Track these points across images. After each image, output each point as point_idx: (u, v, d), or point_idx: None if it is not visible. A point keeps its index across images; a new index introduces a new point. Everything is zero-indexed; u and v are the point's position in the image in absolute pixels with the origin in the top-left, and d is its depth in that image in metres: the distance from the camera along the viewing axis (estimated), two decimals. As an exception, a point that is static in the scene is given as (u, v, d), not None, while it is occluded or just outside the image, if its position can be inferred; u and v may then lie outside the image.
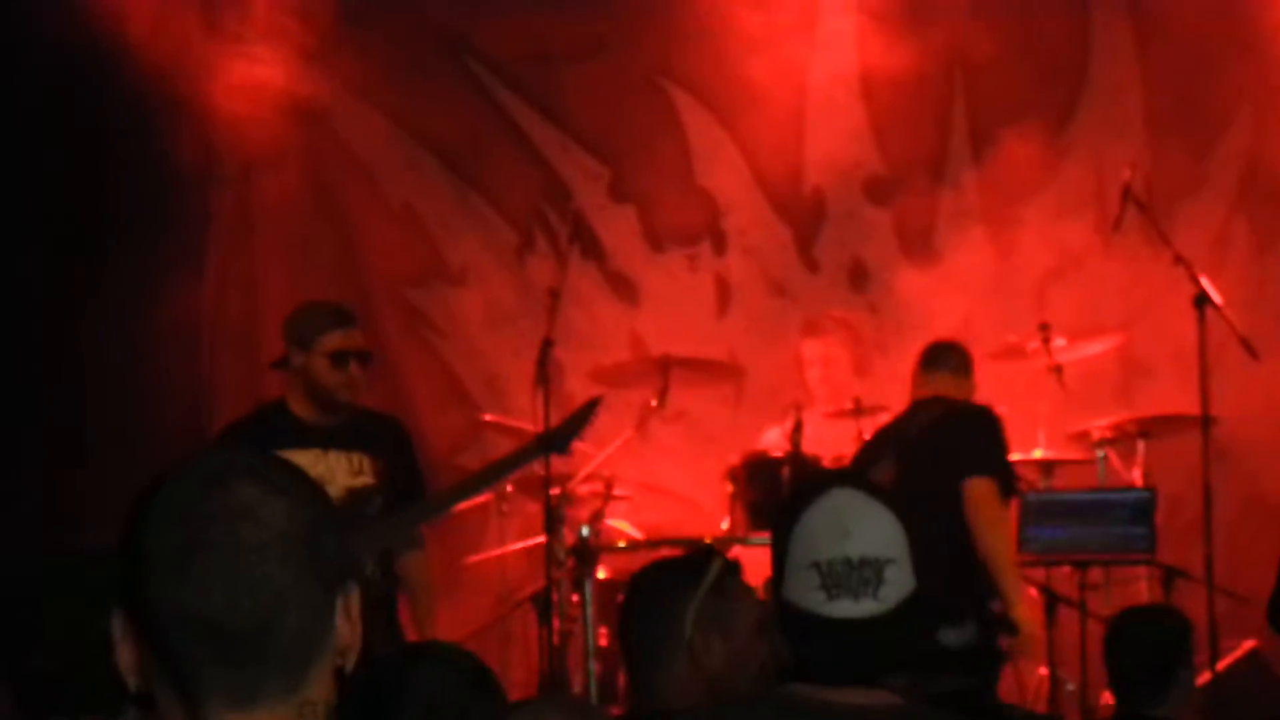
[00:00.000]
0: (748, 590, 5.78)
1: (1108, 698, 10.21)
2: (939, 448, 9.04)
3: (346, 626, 2.62)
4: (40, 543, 10.75)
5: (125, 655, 2.60)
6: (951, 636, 6.03)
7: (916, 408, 9.36)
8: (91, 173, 11.71)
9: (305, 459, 7.92)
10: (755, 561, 9.40)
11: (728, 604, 5.61)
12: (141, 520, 2.54)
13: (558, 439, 8.84)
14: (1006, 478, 9.10)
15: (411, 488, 8.64)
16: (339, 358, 8.38)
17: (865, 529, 4.29)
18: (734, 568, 5.82)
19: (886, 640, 4.30)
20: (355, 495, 8.35)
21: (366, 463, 8.42)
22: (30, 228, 11.50)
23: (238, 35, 12.24)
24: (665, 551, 10.30)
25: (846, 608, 4.24)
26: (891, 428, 9.44)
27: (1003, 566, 8.81)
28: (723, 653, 5.47)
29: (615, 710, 9.94)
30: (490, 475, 8.85)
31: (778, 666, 5.26)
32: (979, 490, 8.99)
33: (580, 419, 8.90)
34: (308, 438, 8.28)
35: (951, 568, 8.65)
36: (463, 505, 8.87)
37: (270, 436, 8.27)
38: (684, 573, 5.57)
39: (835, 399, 10.80)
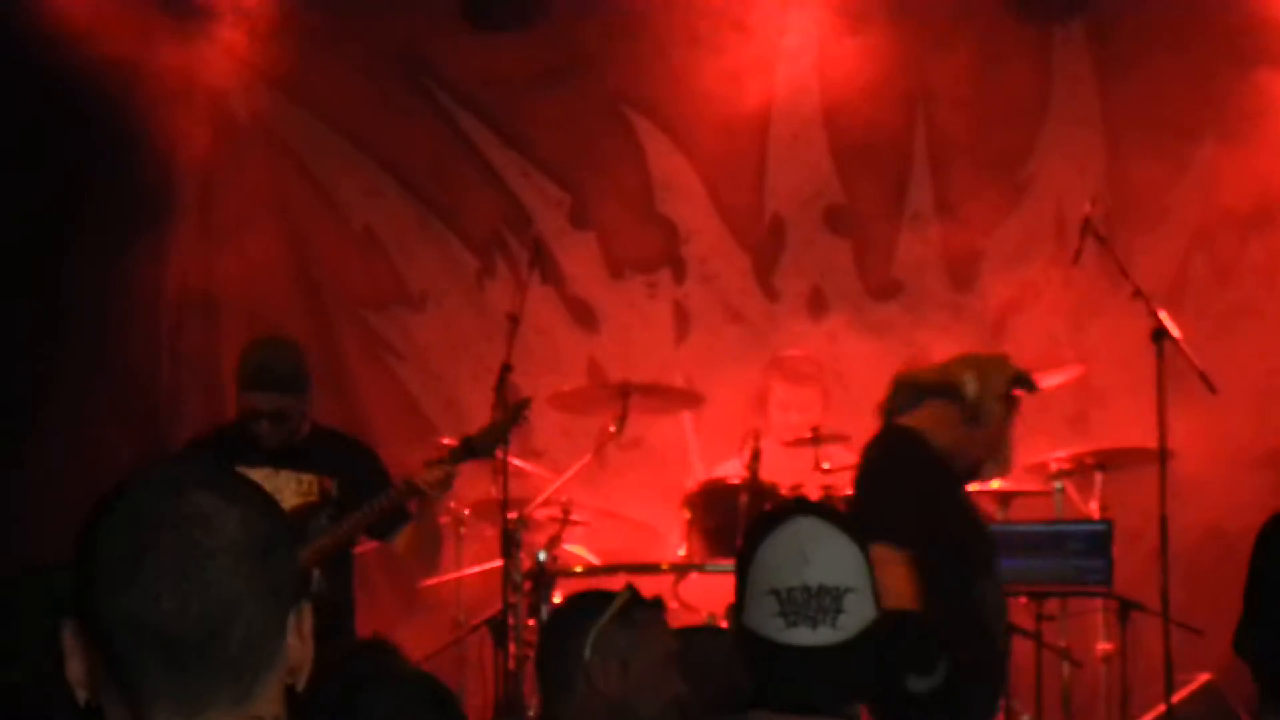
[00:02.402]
0: (660, 624, 5.81)
1: (1061, 727, 10.23)
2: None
3: (298, 642, 2.62)
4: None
5: (74, 667, 2.62)
6: (920, 684, 6.00)
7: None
8: (55, 193, 11.70)
9: (258, 476, 7.97)
10: (714, 588, 9.42)
11: (633, 633, 5.66)
12: (95, 525, 2.54)
13: (481, 444, 8.91)
14: None
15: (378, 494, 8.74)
16: (251, 414, 8.60)
17: (825, 557, 4.29)
18: (650, 603, 5.84)
19: (845, 669, 4.29)
20: (299, 512, 8.46)
21: (315, 483, 8.54)
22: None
23: (201, 56, 12.22)
24: (622, 577, 10.29)
25: (804, 635, 4.25)
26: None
27: None
28: (619, 680, 5.48)
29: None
30: (410, 489, 8.83)
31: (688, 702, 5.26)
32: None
33: (507, 421, 8.98)
34: (262, 456, 8.40)
35: None
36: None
37: (227, 453, 8.48)
38: (593, 602, 5.61)
39: (808, 427, 10.78)
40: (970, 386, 8.63)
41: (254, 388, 8.65)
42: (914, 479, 8.48)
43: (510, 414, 9.08)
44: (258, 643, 2.56)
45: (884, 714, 5.68)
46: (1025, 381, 8.67)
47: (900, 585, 8.44)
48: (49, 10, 11.62)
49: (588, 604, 5.79)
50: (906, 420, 8.77)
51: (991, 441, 8.72)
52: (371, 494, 8.67)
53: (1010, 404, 8.69)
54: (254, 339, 9.37)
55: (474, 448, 8.88)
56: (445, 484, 8.83)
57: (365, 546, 9.17)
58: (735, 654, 4.39)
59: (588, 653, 5.49)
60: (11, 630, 3.68)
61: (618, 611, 5.69)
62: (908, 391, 8.80)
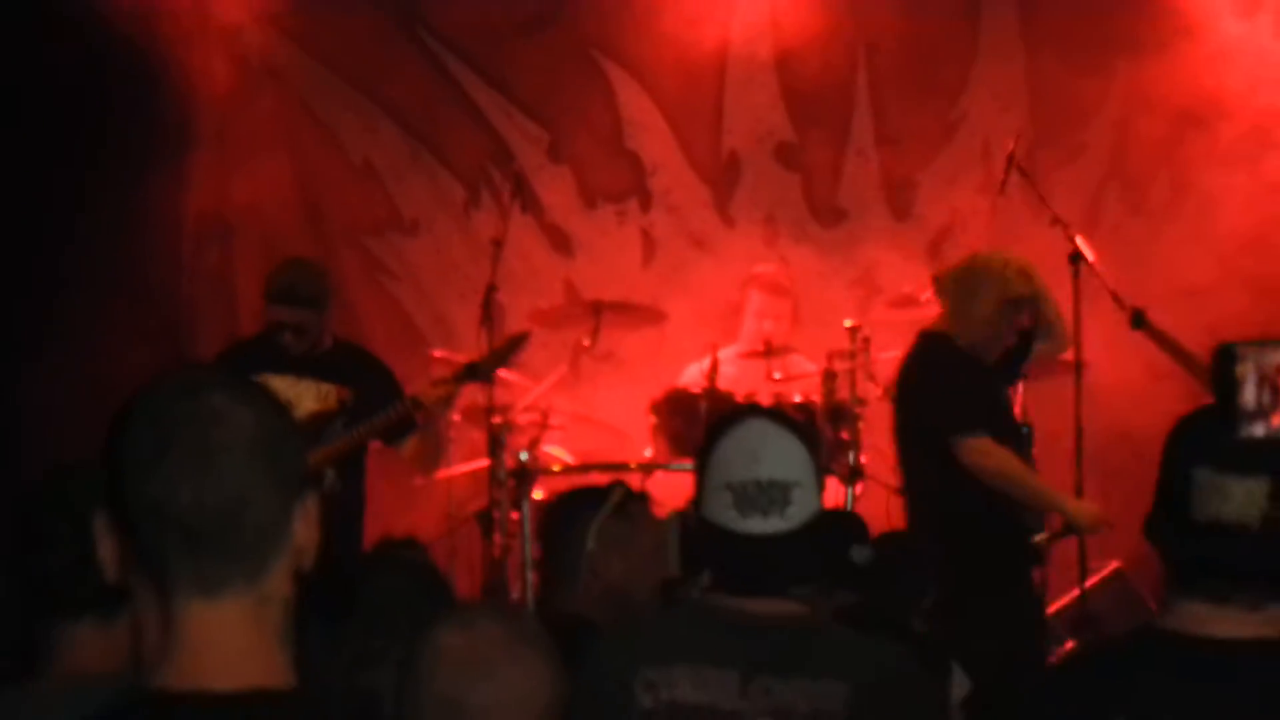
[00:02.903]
0: (649, 515, 5.81)
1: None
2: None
3: (304, 528, 2.64)
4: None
5: (106, 549, 2.64)
6: (860, 555, 6.01)
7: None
8: (82, 122, 11.67)
9: (280, 384, 8.16)
10: (676, 485, 9.43)
11: (628, 526, 5.67)
12: (121, 425, 2.57)
13: (483, 369, 8.96)
14: None
15: (391, 404, 8.83)
16: (276, 327, 8.68)
17: (774, 455, 4.29)
18: (639, 496, 5.84)
19: (793, 555, 4.30)
20: (316, 418, 8.49)
21: (333, 392, 8.56)
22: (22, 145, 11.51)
23: (212, 7, 12.17)
24: (595, 475, 10.31)
25: (756, 524, 4.25)
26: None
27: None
28: (621, 568, 5.51)
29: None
30: (414, 404, 8.86)
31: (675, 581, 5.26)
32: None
33: (506, 351, 9.01)
34: (285, 365, 8.44)
35: None
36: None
37: (254, 362, 8.51)
38: (591, 498, 5.61)
39: (763, 341, 10.79)
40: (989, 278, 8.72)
41: (279, 301, 8.76)
42: (947, 372, 8.72)
43: (509, 344, 9.12)
44: (268, 529, 2.58)
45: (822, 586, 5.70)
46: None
47: (1010, 460, 8.55)
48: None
49: (585, 500, 5.79)
50: (936, 325, 8.91)
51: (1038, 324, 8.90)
52: (383, 405, 8.72)
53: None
54: (283, 259, 9.45)
55: (476, 371, 8.94)
56: (447, 402, 8.92)
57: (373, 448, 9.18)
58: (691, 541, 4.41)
59: (590, 544, 5.49)
60: (45, 521, 3.68)
61: (615, 506, 5.69)
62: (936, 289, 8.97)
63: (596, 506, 5.57)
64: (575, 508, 5.75)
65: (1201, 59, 11.59)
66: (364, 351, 9.30)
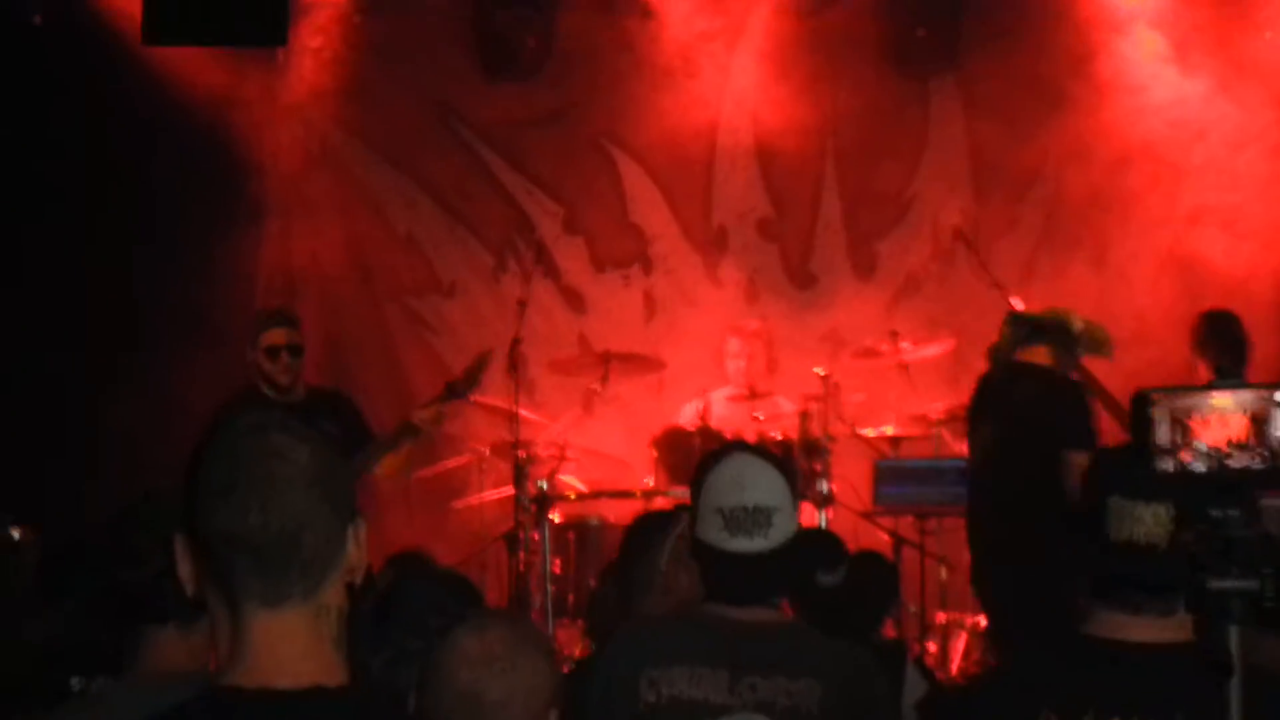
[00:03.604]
0: None
1: (941, 617, 10.22)
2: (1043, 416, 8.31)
3: (355, 549, 2.65)
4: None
5: (184, 568, 2.65)
6: (825, 578, 6.00)
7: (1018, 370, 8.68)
8: (173, 185, 11.81)
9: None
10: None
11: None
12: (198, 460, 2.57)
13: (460, 387, 9.00)
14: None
15: (363, 437, 8.79)
16: (272, 351, 8.58)
17: (758, 484, 4.31)
18: None
19: (773, 570, 4.30)
20: None
21: (321, 427, 8.49)
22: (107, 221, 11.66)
23: (281, 100, 12.21)
24: (605, 502, 10.32)
25: (743, 544, 4.26)
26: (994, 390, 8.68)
27: None
28: (688, 581, 5.47)
29: (564, 622, 9.91)
30: (409, 429, 8.83)
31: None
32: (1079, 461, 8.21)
33: (475, 370, 8.99)
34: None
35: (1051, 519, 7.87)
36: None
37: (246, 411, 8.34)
38: (661, 522, 5.58)
39: (747, 386, 10.78)
40: (1078, 325, 8.53)
41: (271, 325, 8.73)
42: (1079, 398, 8.39)
43: (477, 364, 9.07)
44: (324, 549, 2.58)
45: (802, 606, 5.67)
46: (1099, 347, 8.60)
47: None
48: (168, 64, 11.61)
49: (657, 524, 5.76)
50: (1029, 357, 8.52)
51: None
52: (357, 433, 8.65)
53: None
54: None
55: (454, 390, 8.93)
56: (437, 421, 8.88)
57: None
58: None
59: (663, 562, 5.47)
60: (135, 540, 3.69)
61: (683, 529, 5.69)
62: (1025, 330, 8.60)
63: (667, 529, 5.54)
64: (649, 531, 5.72)
65: (1120, 152, 11.63)
66: (336, 392, 9.25)
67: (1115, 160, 11.65)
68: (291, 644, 2.57)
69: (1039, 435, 8.16)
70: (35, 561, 7.11)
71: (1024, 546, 8.02)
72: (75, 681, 4.14)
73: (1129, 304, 11.43)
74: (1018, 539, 8.12)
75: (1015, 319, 8.78)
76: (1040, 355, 8.55)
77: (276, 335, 8.66)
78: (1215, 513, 2.96)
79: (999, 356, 8.71)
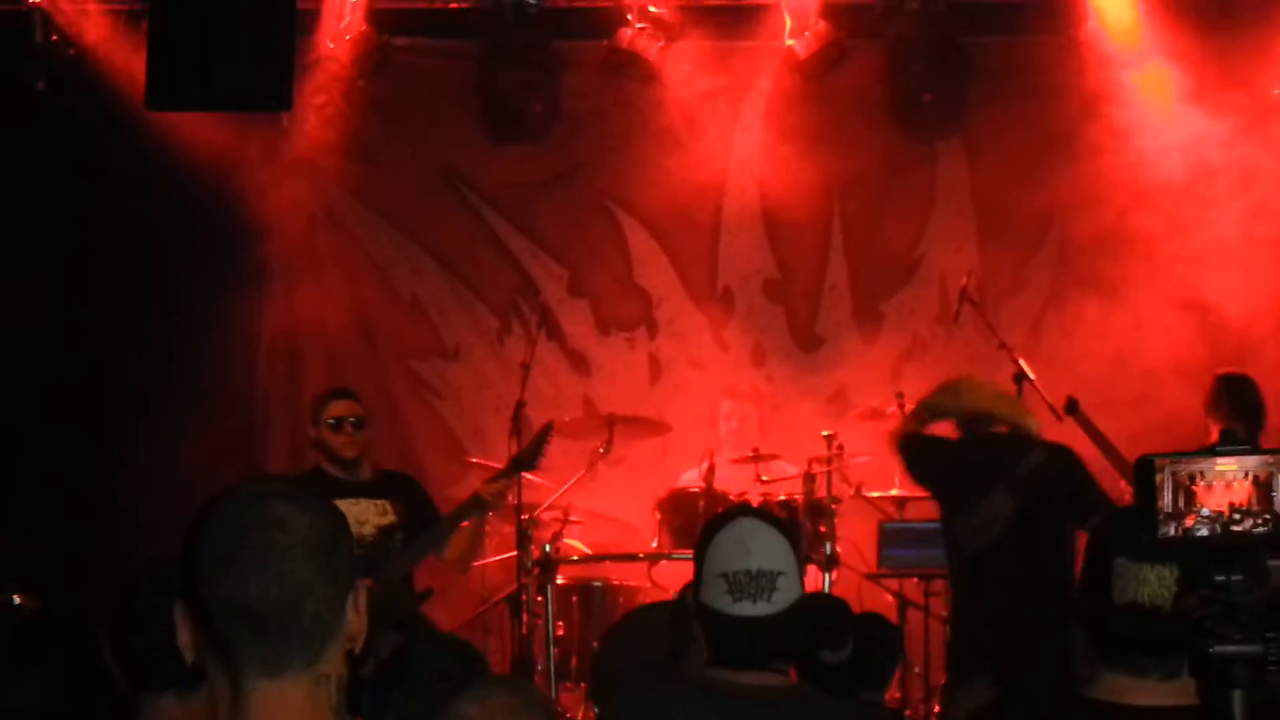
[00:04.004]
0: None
1: (944, 679, 10.19)
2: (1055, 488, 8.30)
3: (354, 616, 2.65)
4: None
5: (184, 635, 2.65)
6: (830, 656, 5.98)
7: (992, 440, 8.62)
8: (175, 248, 11.91)
9: (342, 505, 8.00)
10: (678, 572, 9.40)
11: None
12: (198, 529, 2.59)
13: (527, 459, 9.02)
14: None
15: (431, 518, 8.81)
16: (337, 424, 8.58)
17: (762, 548, 4.30)
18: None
19: (778, 635, 4.29)
20: (384, 531, 8.53)
21: (390, 506, 8.54)
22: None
23: (285, 164, 12.25)
24: (609, 565, 10.31)
25: (747, 608, 4.26)
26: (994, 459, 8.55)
27: None
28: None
29: (567, 685, 9.90)
30: (478, 503, 8.83)
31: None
32: None
33: (539, 441, 9.01)
34: (343, 491, 8.33)
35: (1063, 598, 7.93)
36: (463, 524, 8.80)
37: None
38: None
39: (742, 446, 10.78)
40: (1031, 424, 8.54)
41: (333, 399, 8.78)
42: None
43: (541, 435, 9.11)
44: (324, 617, 2.58)
45: (807, 672, 5.66)
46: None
47: None
48: (171, 126, 11.65)
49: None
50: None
51: None
52: (426, 516, 8.69)
53: None
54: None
55: (520, 463, 8.96)
56: (503, 495, 8.90)
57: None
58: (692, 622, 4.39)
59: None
60: (135, 608, 3.70)
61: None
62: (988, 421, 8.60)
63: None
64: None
65: (1125, 211, 11.63)
66: (402, 474, 9.27)
67: (1124, 209, 11.61)
68: (291, 713, 2.57)
69: (1057, 513, 8.15)
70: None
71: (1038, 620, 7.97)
72: None
73: (1140, 360, 11.42)
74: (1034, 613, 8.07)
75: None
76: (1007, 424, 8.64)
77: (340, 407, 8.71)
78: (1219, 577, 2.97)
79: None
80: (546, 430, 9.16)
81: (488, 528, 10.87)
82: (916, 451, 8.68)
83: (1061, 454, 8.45)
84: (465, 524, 8.84)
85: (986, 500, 8.39)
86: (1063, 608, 7.72)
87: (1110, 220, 11.68)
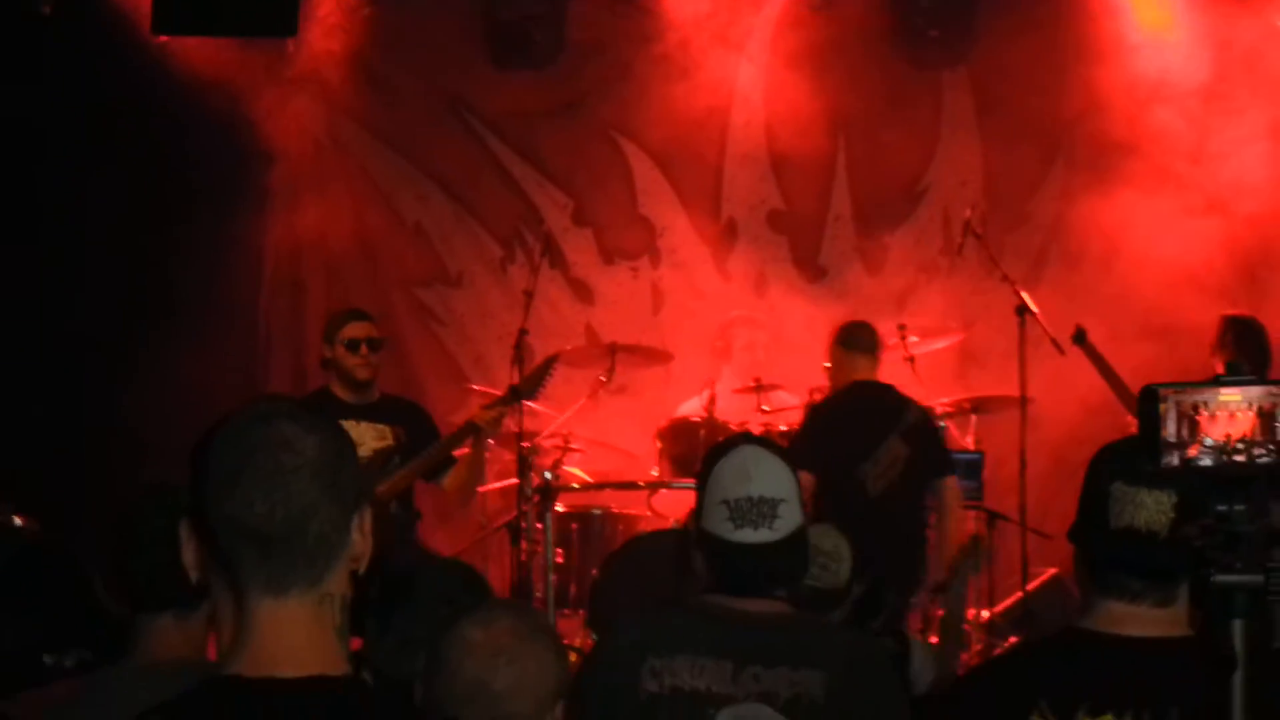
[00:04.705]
0: None
1: (941, 611, 10.21)
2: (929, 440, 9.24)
3: (359, 537, 2.65)
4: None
5: (189, 554, 2.66)
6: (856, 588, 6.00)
7: (875, 391, 9.30)
8: (179, 173, 11.87)
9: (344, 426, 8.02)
10: (678, 501, 9.41)
11: None
12: (204, 449, 2.59)
13: (524, 389, 8.96)
14: None
15: (432, 442, 8.73)
16: (353, 344, 8.48)
17: (764, 475, 4.30)
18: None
19: (778, 562, 4.29)
20: (379, 454, 8.49)
21: (389, 431, 8.52)
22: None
23: (291, 89, 12.22)
24: (610, 493, 10.32)
25: (748, 535, 4.26)
26: (874, 410, 9.26)
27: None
28: None
29: (565, 612, 9.93)
30: (472, 429, 8.80)
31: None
32: (955, 485, 9.21)
33: (541, 372, 8.99)
34: (345, 413, 8.34)
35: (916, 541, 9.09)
36: (458, 450, 8.78)
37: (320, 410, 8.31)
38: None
39: (754, 371, 10.77)
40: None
41: (350, 320, 8.70)
42: None
43: (543, 367, 9.08)
44: (329, 538, 2.58)
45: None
46: None
47: None
48: (177, 52, 11.63)
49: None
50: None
51: None
52: (428, 441, 8.67)
53: None
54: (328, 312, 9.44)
55: (519, 392, 8.92)
56: (498, 423, 8.87)
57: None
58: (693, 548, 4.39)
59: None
60: (136, 531, 3.71)
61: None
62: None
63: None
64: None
65: (1131, 141, 11.58)
66: (407, 400, 9.22)
67: (1130, 145, 11.58)
68: (295, 633, 2.57)
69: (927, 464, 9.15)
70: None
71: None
72: (48, 659, 4.16)
73: (1141, 298, 11.41)
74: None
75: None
76: (871, 368, 9.45)
77: (357, 328, 8.64)
78: (1221, 507, 2.97)
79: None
80: (550, 363, 9.14)
81: (488, 455, 10.92)
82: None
83: (929, 412, 9.45)
84: (463, 452, 8.82)
85: (885, 446, 9.04)
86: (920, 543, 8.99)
87: (1116, 157, 11.64)
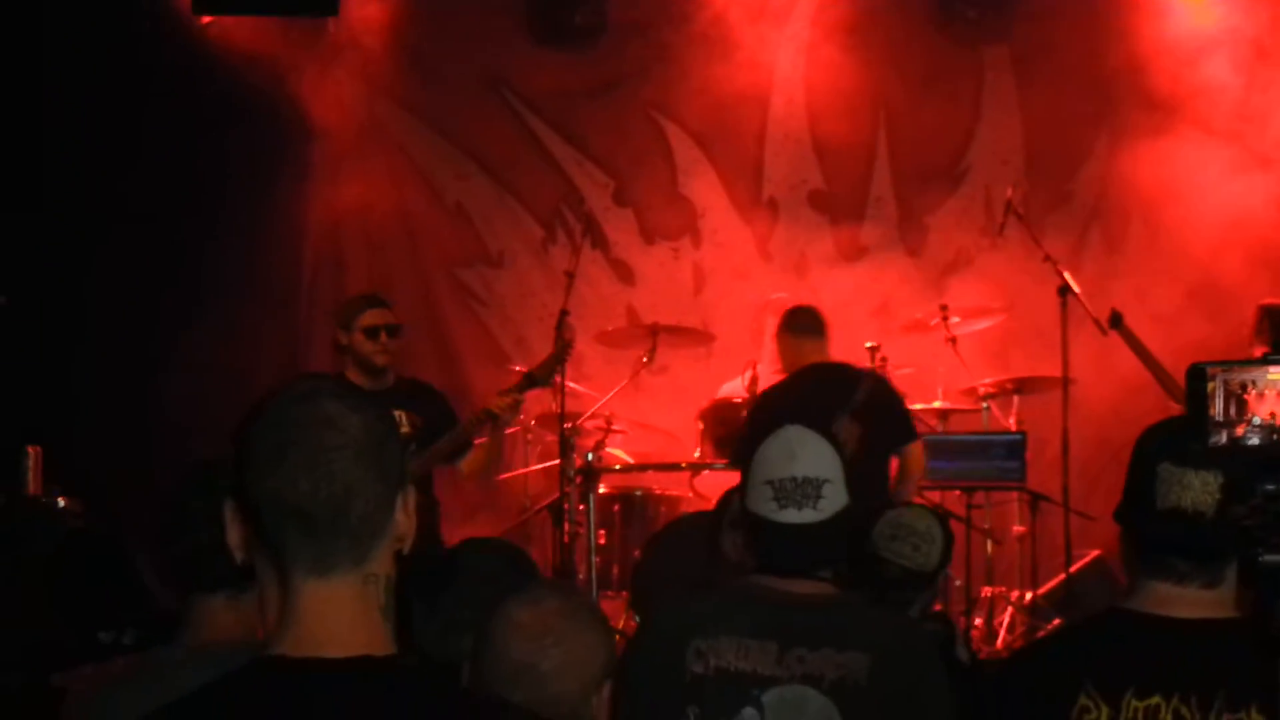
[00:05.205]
0: None
1: (986, 591, 10.21)
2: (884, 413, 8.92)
3: (404, 517, 2.64)
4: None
5: (234, 534, 2.65)
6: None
7: (823, 372, 9.06)
8: (220, 153, 11.89)
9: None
10: (719, 482, 9.41)
11: None
12: (248, 427, 2.58)
13: (539, 376, 8.84)
14: None
15: (449, 430, 8.61)
16: (372, 331, 8.39)
17: (809, 455, 4.29)
18: None
19: (823, 542, 4.28)
20: None
21: (405, 416, 8.43)
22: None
23: (332, 69, 12.22)
24: (652, 474, 10.31)
25: (792, 515, 4.25)
26: (821, 393, 8.90)
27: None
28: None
29: (608, 594, 9.93)
30: (488, 416, 8.74)
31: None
32: (918, 451, 9.07)
33: (555, 359, 8.92)
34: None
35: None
36: (478, 439, 8.73)
37: None
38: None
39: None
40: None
41: (368, 306, 8.53)
42: None
43: (558, 352, 9.02)
44: (373, 517, 2.57)
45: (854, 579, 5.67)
46: None
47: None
48: (219, 32, 11.65)
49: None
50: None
51: None
52: (445, 427, 8.59)
53: None
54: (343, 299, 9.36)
55: (534, 378, 8.84)
56: (514, 409, 8.78)
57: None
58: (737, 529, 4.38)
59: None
60: (183, 511, 3.71)
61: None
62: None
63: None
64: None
65: (1173, 121, 11.54)
66: (424, 383, 9.14)
67: (1173, 122, 11.55)
68: (340, 613, 2.56)
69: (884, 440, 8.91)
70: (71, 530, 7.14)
71: None
72: (104, 635, 4.16)
73: (1181, 278, 11.38)
74: None
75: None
76: (819, 351, 9.20)
77: (375, 315, 8.51)
78: (1269, 486, 2.95)
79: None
80: (562, 349, 9.09)
81: (530, 436, 10.92)
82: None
83: (884, 383, 9.18)
84: (480, 440, 8.77)
85: (836, 427, 8.65)
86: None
87: (1159, 134, 11.60)
